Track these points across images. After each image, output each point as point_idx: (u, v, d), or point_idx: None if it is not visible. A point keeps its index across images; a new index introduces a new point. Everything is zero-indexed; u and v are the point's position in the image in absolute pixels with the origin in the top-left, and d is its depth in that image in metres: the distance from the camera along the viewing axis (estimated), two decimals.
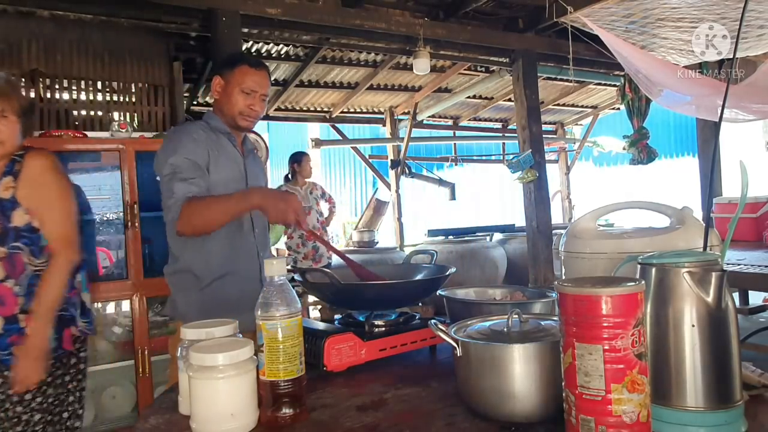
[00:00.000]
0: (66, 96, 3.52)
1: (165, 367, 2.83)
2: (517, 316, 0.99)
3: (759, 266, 2.55)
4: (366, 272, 1.54)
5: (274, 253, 4.73)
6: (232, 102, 1.74)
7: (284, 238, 4.92)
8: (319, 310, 1.55)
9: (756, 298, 4.17)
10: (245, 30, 3.78)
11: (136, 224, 3.05)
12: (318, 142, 7.63)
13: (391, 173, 7.47)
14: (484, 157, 9.50)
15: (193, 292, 1.71)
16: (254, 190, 1.64)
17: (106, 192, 3.22)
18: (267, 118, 6.70)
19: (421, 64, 4.35)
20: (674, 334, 0.81)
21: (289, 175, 5.08)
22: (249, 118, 1.77)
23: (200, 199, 1.60)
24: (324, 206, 5.14)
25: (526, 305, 1.31)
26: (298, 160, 4.97)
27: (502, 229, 6.45)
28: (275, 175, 6.46)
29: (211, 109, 1.86)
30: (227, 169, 1.73)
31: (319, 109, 6.87)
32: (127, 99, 3.68)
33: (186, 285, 1.72)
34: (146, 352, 3.04)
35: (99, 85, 3.61)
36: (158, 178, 1.70)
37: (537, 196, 4.81)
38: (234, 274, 1.73)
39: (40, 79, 3.43)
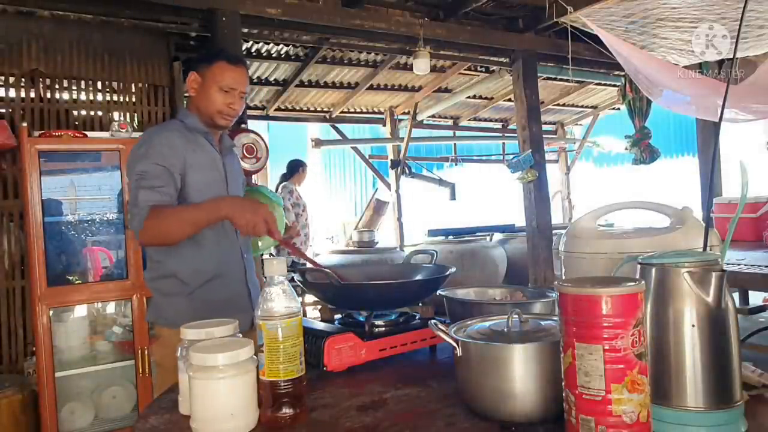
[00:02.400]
0: (66, 96, 3.51)
1: None
2: (517, 316, 0.99)
3: (759, 266, 2.55)
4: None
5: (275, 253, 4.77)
6: (210, 100, 1.68)
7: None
8: (319, 310, 1.55)
9: (756, 298, 4.16)
10: (245, 30, 3.78)
11: None
12: (318, 142, 7.63)
13: (391, 173, 7.47)
14: (484, 157, 9.49)
15: (179, 297, 1.67)
16: (222, 200, 1.57)
17: (106, 192, 3.23)
18: (267, 118, 6.70)
19: (421, 64, 4.35)
20: (674, 334, 0.81)
21: (287, 174, 5.35)
22: (228, 117, 1.71)
23: (165, 209, 1.54)
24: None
25: (526, 305, 1.31)
26: (304, 166, 5.44)
27: (502, 229, 6.44)
28: (275, 175, 6.45)
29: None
30: (206, 169, 1.69)
31: (319, 109, 6.87)
32: (127, 99, 3.68)
33: (172, 290, 1.68)
34: (146, 352, 3.04)
35: (99, 85, 3.60)
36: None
37: (537, 196, 4.81)
38: (221, 277, 1.70)
39: (40, 79, 3.43)
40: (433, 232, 6.23)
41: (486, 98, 7.29)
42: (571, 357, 0.76)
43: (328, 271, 1.35)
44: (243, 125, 3.63)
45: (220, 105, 1.68)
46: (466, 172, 10.74)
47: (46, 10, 3.38)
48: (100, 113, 3.61)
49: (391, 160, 7.46)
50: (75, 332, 3.12)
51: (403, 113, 7.29)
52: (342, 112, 6.89)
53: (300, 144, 10.37)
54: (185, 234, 1.56)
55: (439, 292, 1.43)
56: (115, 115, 3.63)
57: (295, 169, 5.43)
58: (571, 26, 3.84)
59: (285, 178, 5.41)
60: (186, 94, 1.76)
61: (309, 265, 1.61)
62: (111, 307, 3.29)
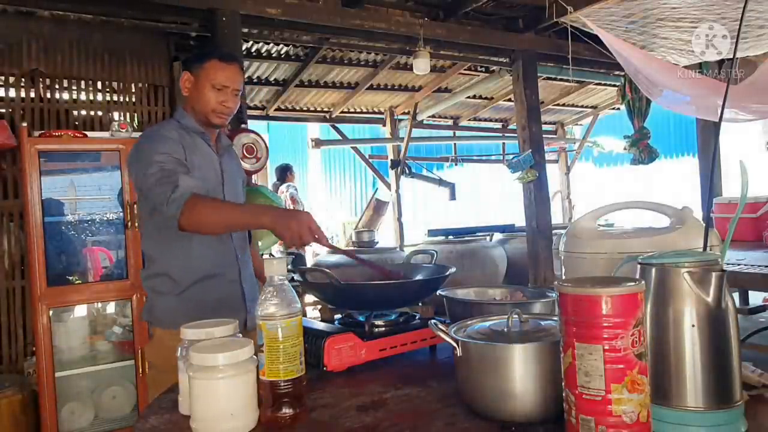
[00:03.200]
0: (66, 96, 3.51)
1: None
2: (517, 316, 0.99)
3: (759, 266, 2.55)
4: (385, 270, 1.50)
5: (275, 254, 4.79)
6: (203, 99, 1.67)
7: None
8: (319, 310, 1.54)
9: (756, 298, 4.17)
10: (245, 30, 3.78)
11: (136, 224, 3.05)
12: (318, 142, 7.63)
13: (391, 173, 7.46)
14: (484, 157, 9.50)
15: (170, 296, 1.66)
16: (266, 209, 1.55)
17: (106, 192, 3.23)
18: (267, 118, 6.70)
19: (421, 64, 4.35)
20: (674, 334, 0.81)
21: (280, 180, 5.85)
22: (222, 115, 1.70)
23: (207, 200, 1.54)
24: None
25: (526, 305, 1.31)
26: (291, 169, 5.95)
27: (502, 229, 6.44)
28: (275, 176, 6.51)
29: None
30: (203, 169, 1.68)
31: (319, 109, 6.86)
32: (127, 99, 3.68)
33: (163, 289, 1.67)
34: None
35: (99, 85, 3.60)
36: (133, 178, 1.63)
37: (537, 196, 4.81)
38: (214, 278, 1.69)
39: (40, 79, 3.43)
40: (433, 232, 6.22)
41: (486, 98, 7.29)
42: (571, 357, 0.76)
43: (327, 271, 1.35)
44: (243, 125, 3.63)
45: (213, 103, 1.68)
46: (466, 172, 10.75)
47: (46, 10, 3.37)
48: (100, 113, 3.61)
49: (391, 160, 7.46)
50: (75, 332, 3.12)
51: (403, 113, 7.29)
52: (342, 112, 6.88)
53: (300, 144, 10.37)
54: (222, 229, 1.58)
55: (439, 292, 1.43)
56: (115, 115, 3.63)
57: (285, 173, 5.78)
58: (571, 26, 3.84)
59: (278, 185, 5.66)
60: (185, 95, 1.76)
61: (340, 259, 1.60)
62: (111, 307, 3.29)
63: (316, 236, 1.39)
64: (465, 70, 6.03)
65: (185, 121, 1.72)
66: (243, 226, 1.57)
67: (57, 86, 3.48)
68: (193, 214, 1.50)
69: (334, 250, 1.59)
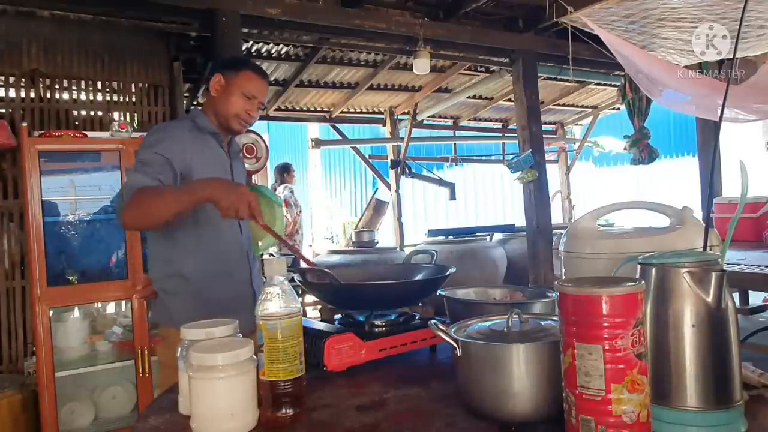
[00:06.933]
0: (66, 96, 3.51)
1: None
2: (517, 316, 0.99)
3: (759, 266, 2.54)
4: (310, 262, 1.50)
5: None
6: (230, 103, 1.71)
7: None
8: (319, 310, 1.54)
9: (756, 298, 4.17)
10: (245, 30, 3.78)
11: None
12: (318, 142, 7.63)
13: (391, 173, 7.47)
14: (484, 157, 9.49)
15: (184, 296, 1.67)
16: (205, 182, 1.53)
17: (106, 192, 3.22)
18: (267, 118, 6.70)
19: (421, 64, 4.35)
20: (674, 334, 0.81)
21: (279, 180, 5.89)
22: (244, 123, 1.75)
23: (148, 189, 1.53)
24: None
25: (526, 305, 1.31)
26: (290, 168, 6.02)
27: (502, 229, 6.43)
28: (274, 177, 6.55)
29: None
30: (213, 170, 1.70)
31: (319, 109, 6.87)
32: (127, 99, 3.68)
33: (177, 289, 1.68)
34: (146, 352, 3.04)
35: (99, 85, 3.60)
36: None
37: (537, 196, 4.81)
38: (226, 277, 1.71)
39: (40, 79, 3.43)
40: (433, 232, 6.22)
41: (486, 98, 7.29)
42: (571, 357, 0.76)
43: (327, 271, 1.35)
44: None
45: (239, 109, 1.72)
46: (466, 172, 10.75)
47: (46, 10, 3.38)
48: (100, 113, 3.61)
49: (391, 160, 7.46)
50: (75, 332, 3.12)
51: (403, 113, 7.29)
52: (342, 112, 6.89)
53: (300, 144, 10.38)
54: (166, 214, 1.52)
55: (439, 292, 1.43)
56: (115, 115, 3.63)
57: (282, 174, 5.83)
58: (571, 26, 3.84)
59: (275, 186, 5.71)
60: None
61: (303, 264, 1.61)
62: (111, 307, 3.29)
63: (253, 212, 1.43)
64: (465, 70, 6.03)
65: (200, 121, 1.74)
66: (188, 204, 1.51)
67: (57, 86, 3.48)
68: (133, 208, 1.52)
69: (268, 230, 1.55)
